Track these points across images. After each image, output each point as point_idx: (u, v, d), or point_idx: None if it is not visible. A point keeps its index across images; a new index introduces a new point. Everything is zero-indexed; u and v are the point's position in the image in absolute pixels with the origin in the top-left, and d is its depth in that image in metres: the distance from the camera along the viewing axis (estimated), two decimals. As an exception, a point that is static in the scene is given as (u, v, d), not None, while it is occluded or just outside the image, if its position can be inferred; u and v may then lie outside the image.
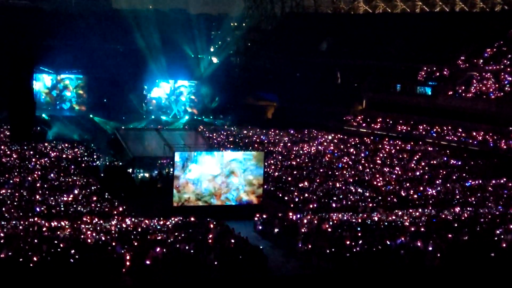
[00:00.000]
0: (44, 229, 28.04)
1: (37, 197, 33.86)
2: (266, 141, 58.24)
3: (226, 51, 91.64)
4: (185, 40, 77.96)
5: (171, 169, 36.13)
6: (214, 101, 77.21)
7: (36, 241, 25.70)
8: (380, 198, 38.34)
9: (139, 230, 28.73)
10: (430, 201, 38.30)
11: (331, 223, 30.88)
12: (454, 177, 44.97)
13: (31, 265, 23.73)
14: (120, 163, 43.14)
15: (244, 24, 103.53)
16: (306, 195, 38.26)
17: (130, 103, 73.21)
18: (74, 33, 72.09)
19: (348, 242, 27.69)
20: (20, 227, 28.04)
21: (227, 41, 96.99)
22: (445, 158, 51.89)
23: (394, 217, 33.05)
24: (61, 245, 25.28)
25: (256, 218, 32.60)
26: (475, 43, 68.47)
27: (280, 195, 38.87)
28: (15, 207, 31.78)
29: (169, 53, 76.92)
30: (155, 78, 77.05)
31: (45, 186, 36.45)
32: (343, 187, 40.34)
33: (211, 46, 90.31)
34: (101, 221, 30.26)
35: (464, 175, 46.14)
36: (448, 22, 75.31)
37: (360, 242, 27.77)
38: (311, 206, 35.77)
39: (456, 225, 31.55)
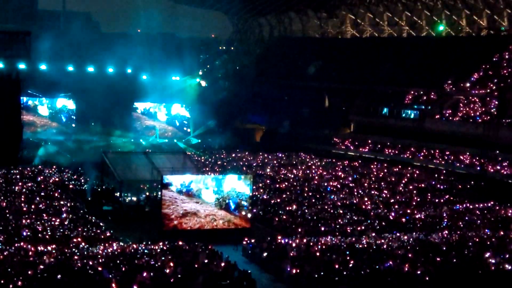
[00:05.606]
0: (31, 253, 27.79)
1: (24, 221, 33.59)
2: (254, 164, 58.21)
3: (215, 74, 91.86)
4: (174, 63, 78.11)
5: (159, 193, 35.99)
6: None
7: (22, 265, 25.43)
8: (368, 221, 38.34)
9: (127, 254, 28.53)
10: (418, 225, 38.33)
11: (319, 246, 30.81)
12: (442, 201, 45.09)
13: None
14: (108, 187, 42.94)
15: (232, 48, 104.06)
16: (295, 218, 38.19)
17: (119, 126, 73.05)
18: (62, 56, 72.07)
19: (337, 266, 27.62)
20: (6, 252, 27.77)
21: (216, 65, 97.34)
22: (433, 182, 52.02)
23: (382, 241, 33.02)
24: (48, 270, 25.02)
25: (244, 242, 32.51)
26: (461, 67, 69.01)
27: (269, 218, 38.78)
28: (1, 232, 31.49)
29: (158, 76, 77.29)
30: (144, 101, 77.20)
31: (32, 210, 36.13)
32: (332, 211, 40.32)
33: (199, 70, 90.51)
34: (88, 246, 30.05)
35: (451, 198, 46.28)
36: (435, 47, 75.93)
37: (349, 266, 27.71)
38: (299, 229, 35.70)
39: (444, 248, 31.56)
